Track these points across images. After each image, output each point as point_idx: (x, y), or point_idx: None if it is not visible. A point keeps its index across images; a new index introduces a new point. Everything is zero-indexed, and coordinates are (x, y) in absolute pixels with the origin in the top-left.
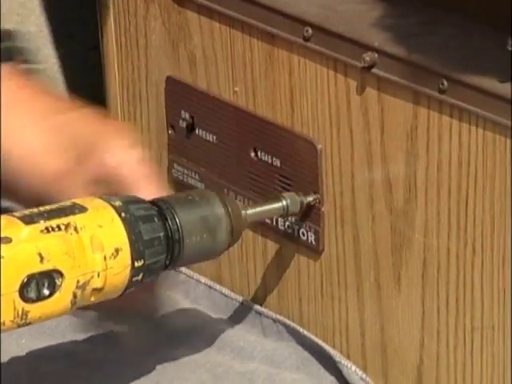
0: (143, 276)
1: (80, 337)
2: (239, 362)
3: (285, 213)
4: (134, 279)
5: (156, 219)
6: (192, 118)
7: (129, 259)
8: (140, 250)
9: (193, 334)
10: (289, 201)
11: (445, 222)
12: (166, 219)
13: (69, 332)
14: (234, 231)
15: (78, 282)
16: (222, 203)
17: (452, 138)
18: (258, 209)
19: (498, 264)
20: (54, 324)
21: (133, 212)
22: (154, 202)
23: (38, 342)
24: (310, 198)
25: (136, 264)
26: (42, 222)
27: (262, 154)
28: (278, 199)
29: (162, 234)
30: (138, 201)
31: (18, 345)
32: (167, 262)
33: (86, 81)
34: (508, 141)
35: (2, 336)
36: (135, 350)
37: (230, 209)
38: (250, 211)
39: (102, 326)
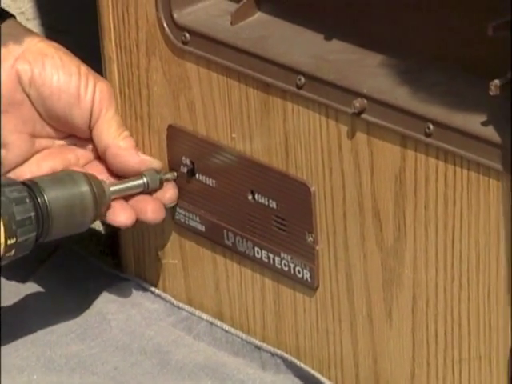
0: (15, 252)
1: (88, 373)
2: None
3: (146, 189)
4: (7, 255)
5: (28, 200)
6: (192, 163)
7: (2, 238)
8: (13, 230)
9: (196, 369)
10: (149, 178)
11: (432, 258)
12: (37, 199)
13: (78, 368)
14: (98, 207)
15: None
16: (86, 182)
17: (438, 178)
18: (120, 186)
19: (483, 297)
20: (63, 361)
21: (7, 195)
22: (25, 183)
23: (48, 377)
24: (168, 175)
25: (9, 242)
26: None
27: (259, 196)
28: (139, 177)
29: (32, 214)
30: (12, 183)
31: (30, 381)
32: (38, 238)
33: None
34: (491, 180)
35: (14, 372)
36: None
37: (94, 186)
38: (113, 188)
39: None
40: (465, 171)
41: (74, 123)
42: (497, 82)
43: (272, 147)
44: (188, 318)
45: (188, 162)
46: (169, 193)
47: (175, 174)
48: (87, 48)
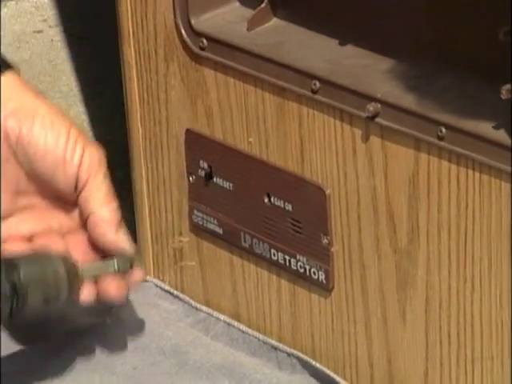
0: None
1: (108, 373)
2: None
3: (116, 272)
4: None
5: (3, 278)
6: (210, 167)
7: None
8: None
9: (213, 368)
10: (120, 262)
11: (445, 260)
12: (12, 278)
13: (98, 368)
14: (72, 287)
15: None
16: (62, 262)
17: (451, 181)
18: (92, 268)
19: (495, 299)
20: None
21: None
22: (3, 261)
23: (68, 377)
24: (136, 260)
25: None
26: None
27: (275, 199)
28: (111, 260)
29: (7, 293)
30: None
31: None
32: (11, 315)
33: (111, 136)
34: (503, 183)
35: None
36: None
37: (69, 267)
38: (86, 270)
39: None
40: (477, 174)
41: (59, 186)
42: (508, 86)
43: (288, 151)
44: (206, 319)
45: (205, 165)
46: (135, 275)
47: (143, 262)
48: (108, 54)
